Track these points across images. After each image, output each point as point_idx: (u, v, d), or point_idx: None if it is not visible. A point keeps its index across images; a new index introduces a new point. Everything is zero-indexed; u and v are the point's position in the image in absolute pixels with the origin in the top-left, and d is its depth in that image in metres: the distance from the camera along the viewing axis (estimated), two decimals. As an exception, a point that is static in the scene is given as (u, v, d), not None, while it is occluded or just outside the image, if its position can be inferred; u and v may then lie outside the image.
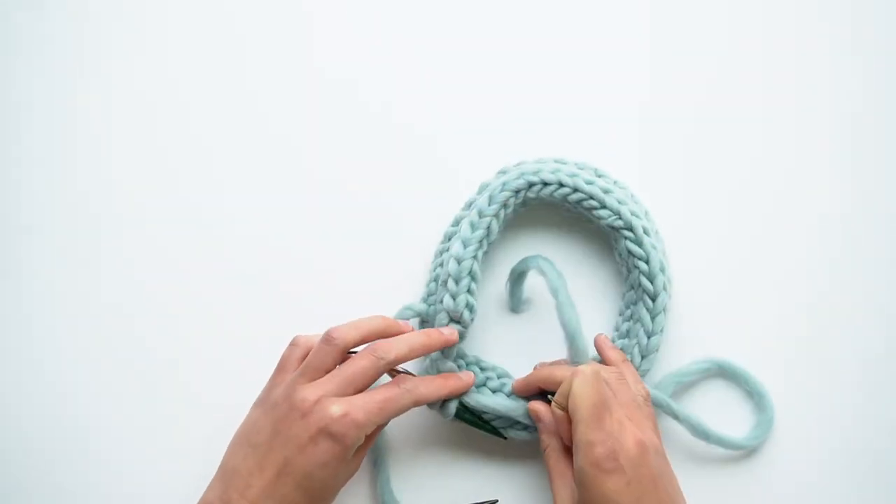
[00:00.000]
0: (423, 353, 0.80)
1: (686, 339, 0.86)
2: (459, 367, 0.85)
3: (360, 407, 0.75)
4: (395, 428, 0.86)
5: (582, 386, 0.75)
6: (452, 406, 0.82)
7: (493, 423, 0.84)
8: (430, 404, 0.82)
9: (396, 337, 0.80)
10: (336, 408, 0.75)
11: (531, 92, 0.90)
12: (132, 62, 0.91)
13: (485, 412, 0.83)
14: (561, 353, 0.83)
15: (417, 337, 0.80)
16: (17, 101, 0.91)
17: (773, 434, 0.85)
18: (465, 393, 0.83)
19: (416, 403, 0.79)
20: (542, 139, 0.88)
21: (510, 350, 0.87)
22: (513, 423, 0.84)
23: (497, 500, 0.84)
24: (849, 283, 0.86)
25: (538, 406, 0.80)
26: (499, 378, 0.85)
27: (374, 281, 0.88)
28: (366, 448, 0.79)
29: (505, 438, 0.83)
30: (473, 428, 0.83)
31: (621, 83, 0.89)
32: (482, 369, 0.85)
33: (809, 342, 0.86)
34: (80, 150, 0.91)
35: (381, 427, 0.79)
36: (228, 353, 0.88)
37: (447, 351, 0.83)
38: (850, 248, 0.87)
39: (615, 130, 0.89)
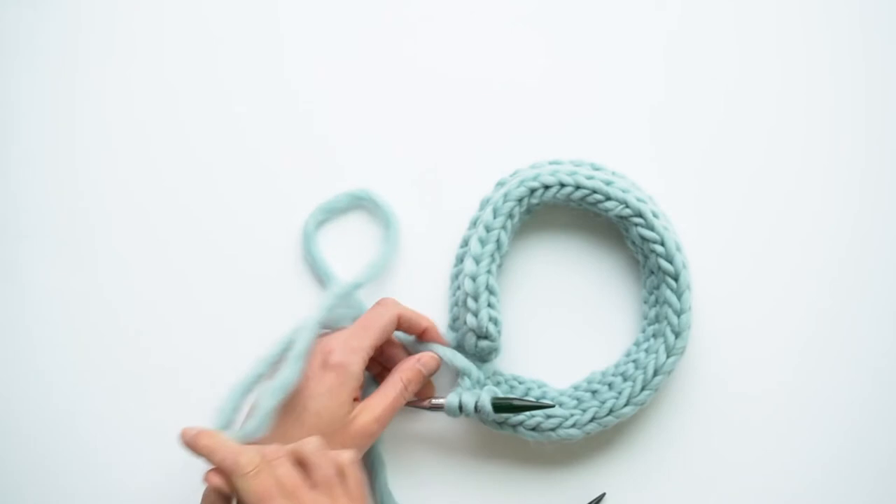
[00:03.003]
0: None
1: (698, 338, 0.86)
2: (497, 384, 0.84)
3: (355, 338, 0.79)
4: (393, 430, 0.85)
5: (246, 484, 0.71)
6: (488, 405, 0.81)
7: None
8: (468, 413, 0.81)
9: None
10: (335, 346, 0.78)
11: (528, 98, 0.90)
12: (127, 67, 0.91)
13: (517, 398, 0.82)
14: (590, 358, 0.85)
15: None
16: (14, 102, 0.91)
17: (779, 433, 0.86)
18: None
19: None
20: (538, 145, 0.89)
21: (541, 361, 0.86)
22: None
23: (605, 493, 0.85)
24: (861, 282, 0.87)
25: (217, 480, 0.73)
26: (539, 388, 0.84)
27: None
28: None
29: (554, 406, 0.82)
30: (515, 414, 0.82)
31: (618, 85, 0.90)
32: (520, 383, 0.85)
33: (822, 340, 0.87)
34: (76, 153, 0.90)
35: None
36: (228, 357, 0.86)
37: (485, 369, 0.83)
38: (861, 248, 0.87)
39: (617, 134, 0.89)
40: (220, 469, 0.72)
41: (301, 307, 0.84)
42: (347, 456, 0.73)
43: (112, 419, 0.87)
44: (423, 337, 0.83)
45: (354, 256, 0.87)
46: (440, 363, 0.82)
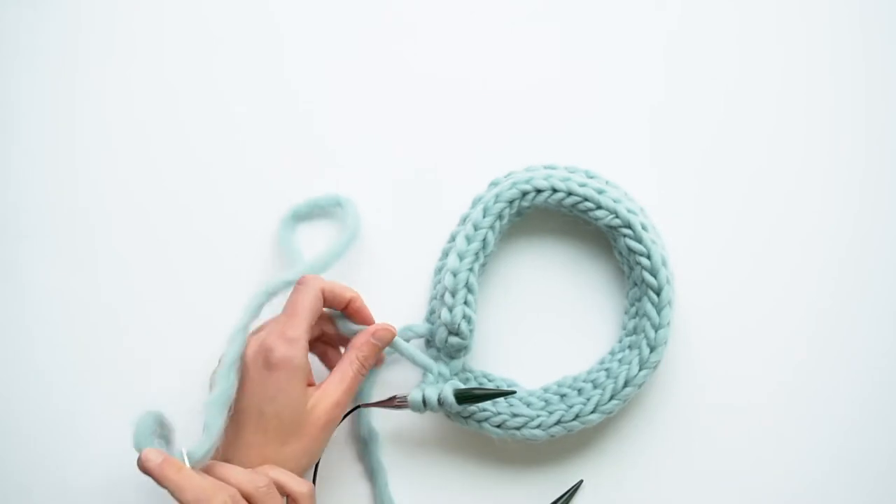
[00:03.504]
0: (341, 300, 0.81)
1: (685, 349, 0.87)
2: (466, 380, 0.85)
3: (289, 328, 0.77)
4: (393, 432, 0.87)
5: None
6: (451, 396, 0.81)
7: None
8: (433, 407, 0.82)
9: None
10: (272, 342, 0.77)
11: (526, 101, 0.90)
12: (127, 67, 0.91)
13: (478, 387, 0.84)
14: (566, 362, 0.87)
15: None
16: (14, 102, 0.91)
17: (778, 435, 0.86)
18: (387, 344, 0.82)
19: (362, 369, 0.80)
20: (536, 148, 0.89)
21: (516, 362, 0.87)
22: (520, 426, 0.84)
23: (582, 481, 0.86)
24: (858, 287, 0.87)
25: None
26: (508, 387, 0.86)
27: (371, 301, 0.86)
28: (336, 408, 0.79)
29: (514, 392, 0.83)
30: (480, 404, 0.83)
31: (616, 89, 0.90)
32: (490, 381, 0.86)
33: (810, 359, 0.87)
34: (77, 153, 0.91)
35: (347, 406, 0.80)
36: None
37: (453, 366, 0.85)
38: (860, 254, 0.87)
39: (615, 138, 0.90)
40: None
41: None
42: (304, 489, 0.75)
43: (110, 419, 0.86)
44: (348, 309, 0.81)
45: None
46: (394, 333, 0.81)
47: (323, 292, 0.80)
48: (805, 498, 0.86)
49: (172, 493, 0.71)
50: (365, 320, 0.83)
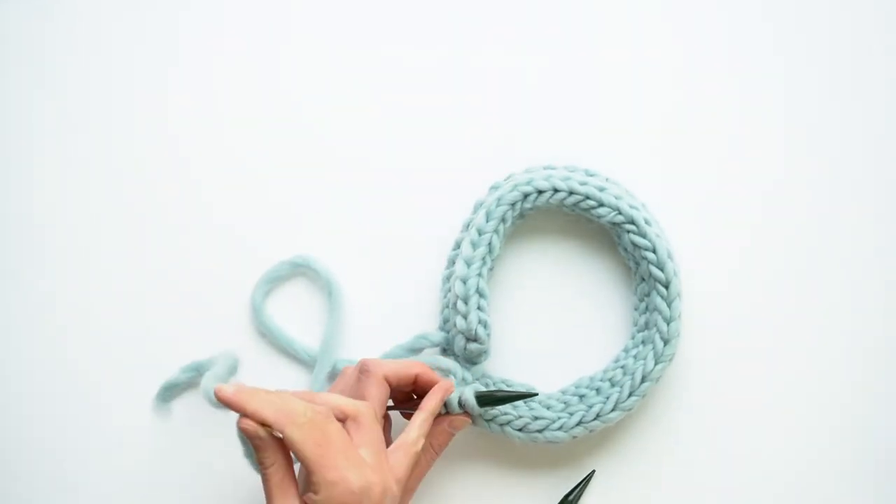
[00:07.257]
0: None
1: (703, 341, 0.87)
2: (486, 386, 0.85)
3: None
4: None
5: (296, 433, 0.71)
6: (472, 398, 0.80)
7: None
8: (453, 410, 0.80)
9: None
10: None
11: (524, 103, 0.90)
12: (128, 75, 0.91)
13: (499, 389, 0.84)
14: (579, 363, 0.86)
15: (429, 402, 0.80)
16: (14, 103, 0.91)
17: (792, 426, 0.86)
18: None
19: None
20: (534, 150, 0.89)
21: (529, 365, 0.87)
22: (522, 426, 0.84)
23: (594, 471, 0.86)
24: (864, 273, 0.87)
25: (251, 424, 0.72)
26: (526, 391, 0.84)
27: (380, 310, 0.88)
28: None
29: (537, 394, 0.82)
30: (499, 405, 0.82)
31: (615, 91, 0.90)
32: (509, 386, 0.85)
33: (815, 351, 0.87)
34: (70, 155, 0.91)
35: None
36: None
37: (474, 371, 0.84)
38: (859, 240, 0.88)
39: (613, 140, 0.89)
40: (273, 421, 0.71)
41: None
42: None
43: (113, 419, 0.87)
44: (416, 385, 0.81)
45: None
46: (469, 422, 0.81)
47: (390, 388, 0.79)
48: (823, 488, 0.86)
49: (252, 416, 0.71)
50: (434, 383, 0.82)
